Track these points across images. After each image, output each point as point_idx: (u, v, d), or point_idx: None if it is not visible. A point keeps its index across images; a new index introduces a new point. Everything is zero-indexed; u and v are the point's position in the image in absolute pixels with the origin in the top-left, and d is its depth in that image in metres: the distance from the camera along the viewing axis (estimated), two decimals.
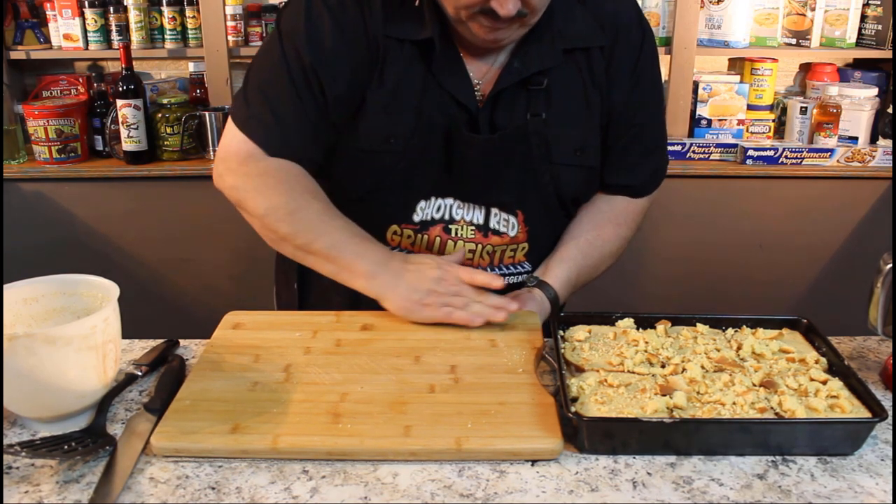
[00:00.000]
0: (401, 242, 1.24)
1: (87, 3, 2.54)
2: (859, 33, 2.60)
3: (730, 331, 1.07)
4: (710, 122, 2.56)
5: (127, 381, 1.00)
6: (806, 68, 2.77)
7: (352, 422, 0.88)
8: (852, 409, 0.88)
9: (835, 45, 2.59)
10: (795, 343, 1.04)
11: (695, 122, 2.57)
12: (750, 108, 2.60)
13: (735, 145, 2.49)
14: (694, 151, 2.48)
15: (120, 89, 2.42)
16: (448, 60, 1.18)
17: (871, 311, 0.99)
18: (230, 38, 2.56)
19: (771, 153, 2.45)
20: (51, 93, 2.71)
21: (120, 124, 2.45)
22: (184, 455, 0.85)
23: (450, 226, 1.23)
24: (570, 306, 1.30)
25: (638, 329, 1.06)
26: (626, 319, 1.07)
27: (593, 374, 0.95)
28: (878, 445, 0.88)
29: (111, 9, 2.57)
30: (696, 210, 2.52)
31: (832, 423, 0.86)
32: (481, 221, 1.23)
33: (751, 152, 2.45)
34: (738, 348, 1.02)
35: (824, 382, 0.93)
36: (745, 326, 1.07)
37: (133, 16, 2.57)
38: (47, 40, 2.64)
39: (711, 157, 2.49)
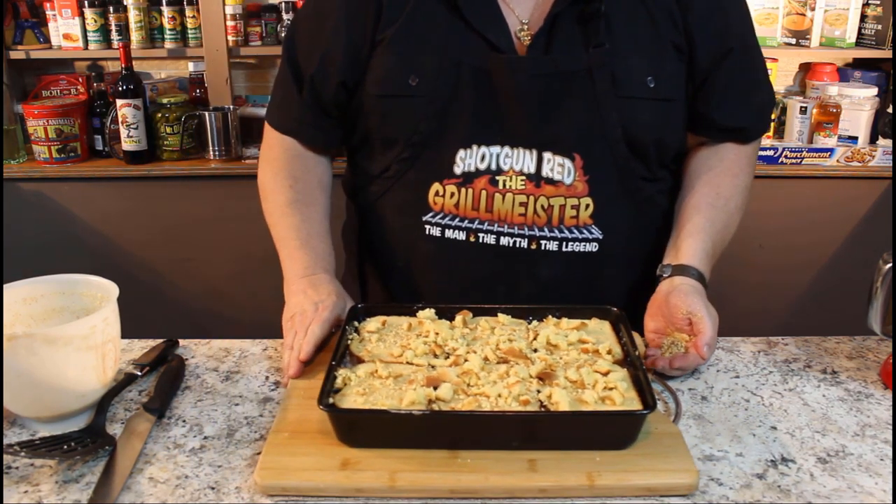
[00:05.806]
0: (444, 205, 1.13)
1: (86, 3, 2.54)
2: (859, 33, 2.60)
3: (535, 322, 1.03)
4: None
5: (126, 381, 1.00)
6: (806, 68, 2.77)
7: (471, 456, 0.80)
8: (623, 402, 0.84)
9: (834, 45, 2.59)
10: (599, 333, 0.99)
11: None
12: None
13: None
14: None
15: (120, 89, 2.42)
16: None
17: (871, 311, 0.99)
18: (230, 37, 2.55)
19: (771, 153, 2.45)
20: (51, 93, 2.71)
21: (120, 124, 2.45)
22: (291, 494, 0.78)
23: (497, 177, 1.10)
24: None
25: (439, 320, 1.01)
26: (426, 311, 1.02)
27: (369, 365, 0.91)
28: (878, 445, 0.88)
29: (111, 8, 2.57)
30: None
31: (586, 416, 0.82)
32: (532, 170, 1.10)
33: None
34: (535, 338, 0.98)
35: (606, 374, 0.88)
36: (549, 316, 1.03)
37: (133, 15, 2.57)
38: (47, 40, 2.64)
39: None
